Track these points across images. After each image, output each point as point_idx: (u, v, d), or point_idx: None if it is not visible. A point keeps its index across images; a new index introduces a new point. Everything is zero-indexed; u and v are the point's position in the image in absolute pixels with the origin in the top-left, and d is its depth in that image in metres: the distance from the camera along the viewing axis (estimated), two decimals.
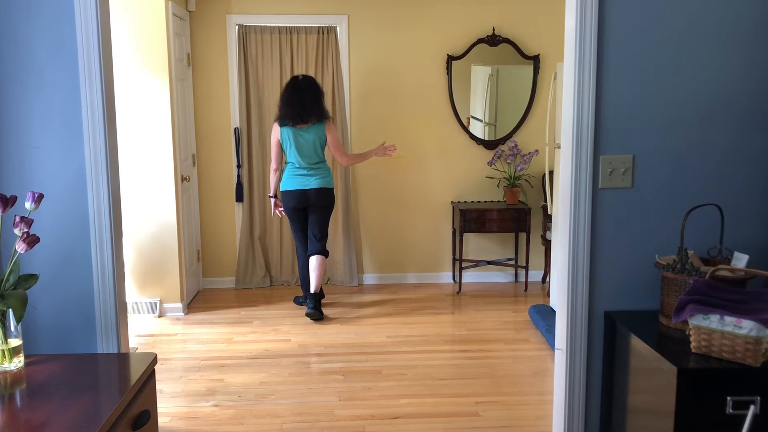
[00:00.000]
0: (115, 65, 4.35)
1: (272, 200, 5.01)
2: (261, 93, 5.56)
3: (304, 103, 4.71)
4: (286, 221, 5.60)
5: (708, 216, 2.39)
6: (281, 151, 4.85)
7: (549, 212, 5.12)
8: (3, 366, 1.82)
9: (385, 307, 5.16)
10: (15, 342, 1.84)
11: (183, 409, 3.44)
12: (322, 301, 5.11)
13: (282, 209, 5.00)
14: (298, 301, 5.21)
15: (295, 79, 4.82)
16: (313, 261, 4.87)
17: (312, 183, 4.80)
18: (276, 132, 4.82)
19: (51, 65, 2.26)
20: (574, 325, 2.45)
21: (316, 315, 4.82)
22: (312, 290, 4.88)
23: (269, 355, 4.17)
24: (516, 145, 5.63)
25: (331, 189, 4.90)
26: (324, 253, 4.90)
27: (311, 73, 5.47)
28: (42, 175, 2.30)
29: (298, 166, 4.79)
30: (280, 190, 4.91)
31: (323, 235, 4.92)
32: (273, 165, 4.89)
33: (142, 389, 1.82)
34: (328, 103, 5.23)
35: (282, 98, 4.82)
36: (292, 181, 4.81)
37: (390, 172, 5.73)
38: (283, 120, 4.76)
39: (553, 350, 3.22)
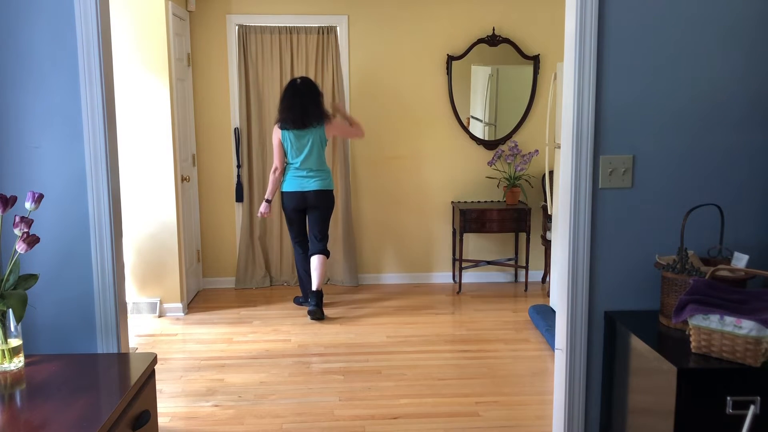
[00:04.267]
0: (115, 65, 4.34)
1: (265, 203, 4.98)
2: (261, 93, 5.56)
3: (304, 107, 4.75)
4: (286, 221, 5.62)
5: (708, 216, 2.39)
6: (283, 151, 4.86)
7: (549, 212, 5.12)
8: (3, 366, 1.82)
9: (385, 307, 5.15)
10: (15, 342, 1.84)
11: (183, 409, 3.44)
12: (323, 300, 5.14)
13: (266, 212, 4.99)
14: (298, 301, 5.22)
15: (293, 83, 4.84)
16: (315, 261, 4.91)
17: (312, 185, 4.83)
18: (277, 134, 4.84)
19: (51, 65, 2.26)
20: (574, 325, 2.45)
21: (318, 314, 4.84)
22: (314, 288, 4.91)
23: (269, 355, 4.17)
24: (516, 145, 5.63)
25: (331, 191, 4.94)
26: (325, 252, 4.94)
27: (311, 74, 5.48)
28: (42, 175, 2.29)
29: (298, 167, 4.82)
30: (281, 190, 4.93)
31: (324, 236, 4.96)
32: (275, 164, 4.90)
33: (142, 389, 1.82)
34: (328, 103, 5.25)
35: (282, 102, 4.84)
36: (292, 183, 4.85)
37: (390, 172, 5.73)
38: (284, 123, 4.79)
39: (553, 350, 3.22)
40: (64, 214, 2.31)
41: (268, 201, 4.98)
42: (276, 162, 4.88)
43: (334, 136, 5.03)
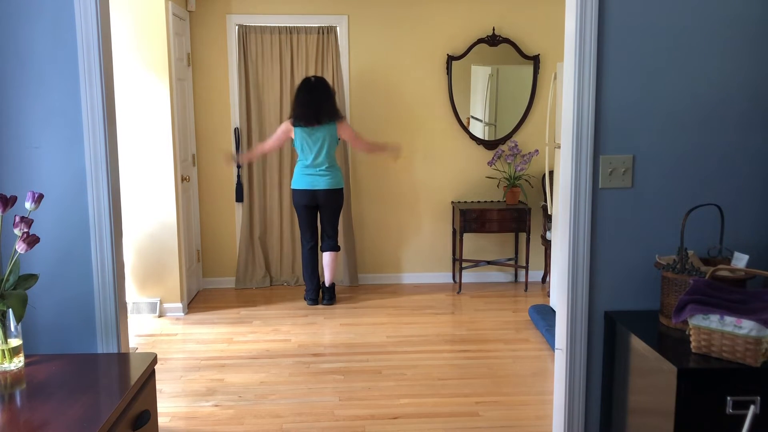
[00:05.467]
0: (115, 65, 4.34)
1: (235, 155, 5.35)
2: (261, 93, 5.56)
3: (319, 103, 4.87)
4: (287, 221, 5.66)
5: (708, 216, 2.39)
6: (283, 141, 5.04)
7: (549, 212, 5.12)
8: (3, 366, 1.82)
9: (385, 307, 5.15)
10: (15, 342, 1.84)
11: (183, 409, 3.44)
12: (320, 299, 5.28)
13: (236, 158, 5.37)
14: (307, 299, 5.23)
15: (308, 81, 4.95)
16: (326, 257, 5.14)
17: (322, 183, 4.95)
18: (287, 128, 4.95)
19: (51, 65, 2.25)
20: (574, 325, 2.45)
21: (333, 303, 5.20)
22: (327, 283, 5.17)
23: (269, 355, 4.17)
24: (516, 145, 5.63)
25: (341, 189, 5.08)
26: (335, 249, 5.16)
27: (311, 74, 5.48)
28: (42, 175, 2.29)
29: (308, 164, 4.93)
30: (291, 187, 5.07)
31: (334, 232, 5.15)
32: (268, 144, 5.06)
33: (142, 389, 1.82)
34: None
35: (296, 99, 4.94)
36: (302, 180, 4.96)
37: (390, 172, 5.73)
38: (297, 120, 4.90)
39: (553, 350, 3.22)
40: (64, 214, 2.31)
41: (238, 163, 5.37)
42: (267, 144, 5.06)
43: (342, 138, 5.07)
